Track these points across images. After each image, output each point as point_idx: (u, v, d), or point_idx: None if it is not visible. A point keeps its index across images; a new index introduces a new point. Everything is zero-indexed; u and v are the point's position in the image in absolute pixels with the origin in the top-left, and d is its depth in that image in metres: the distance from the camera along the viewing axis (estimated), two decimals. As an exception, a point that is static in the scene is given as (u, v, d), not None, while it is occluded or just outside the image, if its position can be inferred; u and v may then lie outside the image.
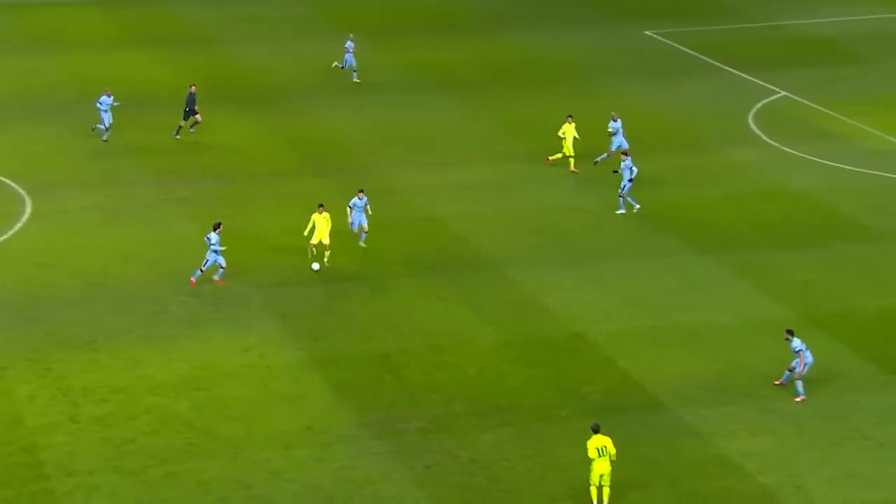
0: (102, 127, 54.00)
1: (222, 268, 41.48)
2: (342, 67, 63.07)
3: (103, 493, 31.16)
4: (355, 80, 62.62)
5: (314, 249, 42.61)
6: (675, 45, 69.36)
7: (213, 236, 41.42)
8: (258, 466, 32.20)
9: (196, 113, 54.77)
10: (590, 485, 30.32)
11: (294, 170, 52.62)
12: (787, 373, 35.06)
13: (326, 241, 42.50)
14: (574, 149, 51.13)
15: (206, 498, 31.06)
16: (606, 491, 30.32)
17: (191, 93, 54.82)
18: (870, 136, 55.09)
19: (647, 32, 71.86)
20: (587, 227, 46.68)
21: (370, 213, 44.30)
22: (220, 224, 41.84)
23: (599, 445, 30.23)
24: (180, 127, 55.09)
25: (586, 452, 30.28)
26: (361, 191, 44.27)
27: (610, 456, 30.12)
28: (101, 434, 33.46)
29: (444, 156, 53.72)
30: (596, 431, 30.51)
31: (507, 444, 33.16)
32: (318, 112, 59.39)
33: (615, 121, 51.30)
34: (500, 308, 40.44)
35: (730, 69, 64.79)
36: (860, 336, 38.31)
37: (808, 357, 34.77)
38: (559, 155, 51.42)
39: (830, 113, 57.76)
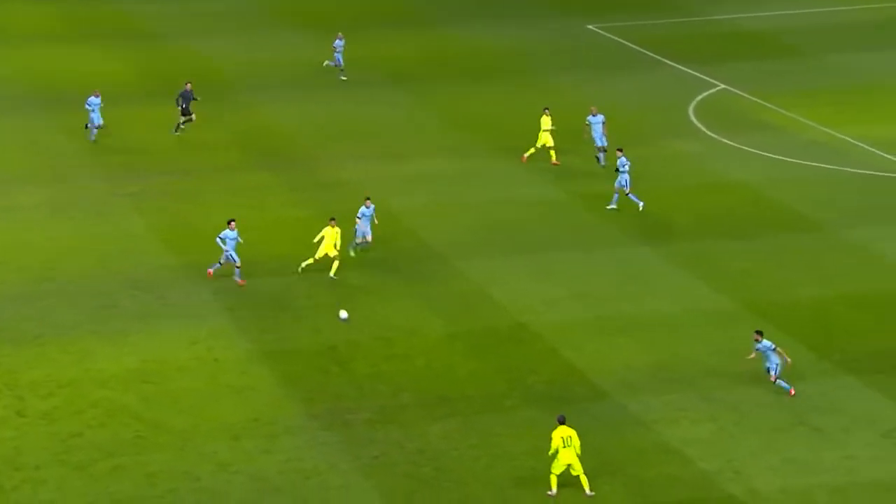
0: (92, 127, 52.61)
1: (237, 267, 40.66)
2: (334, 66, 62.05)
3: (50, 486, 30.82)
4: (342, 78, 61.70)
5: (314, 260, 41.11)
6: (618, 38, 69.55)
7: (229, 233, 40.67)
8: (206, 458, 31.96)
9: (190, 112, 53.64)
10: (551, 473, 30.37)
11: (242, 164, 52.29)
12: (773, 372, 34.55)
13: (333, 253, 40.81)
14: (553, 140, 50.96)
15: (153, 490, 30.79)
16: (583, 479, 30.40)
17: (186, 90, 53.70)
18: (807, 128, 55.46)
19: (589, 27, 72.03)
20: (533, 219, 46.69)
21: (376, 222, 42.81)
22: (233, 220, 41.10)
23: (565, 436, 30.37)
24: (179, 125, 53.95)
25: (551, 442, 30.37)
26: (368, 198, 42.68)
27: (575, 447, 30.25)
28: (48, 428, 33.09)
29: (393, 149, 53.57)
30: (562, 422, 30.65)
31: (454, 433, 33.10)
32: (266, 106, 59.07)
33: (594, 115, 51.03)
34: (447, 299, 40.37)
35: (671, 63, 65.03)
36: (800, 325, 38.55)
37: (774, 359, 34.43)
38: (532, 150, 51.16)
39: (768, 105, 58.11)
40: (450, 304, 40.01)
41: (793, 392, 34.28)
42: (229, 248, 40.81)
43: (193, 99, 54.00)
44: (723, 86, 61.05)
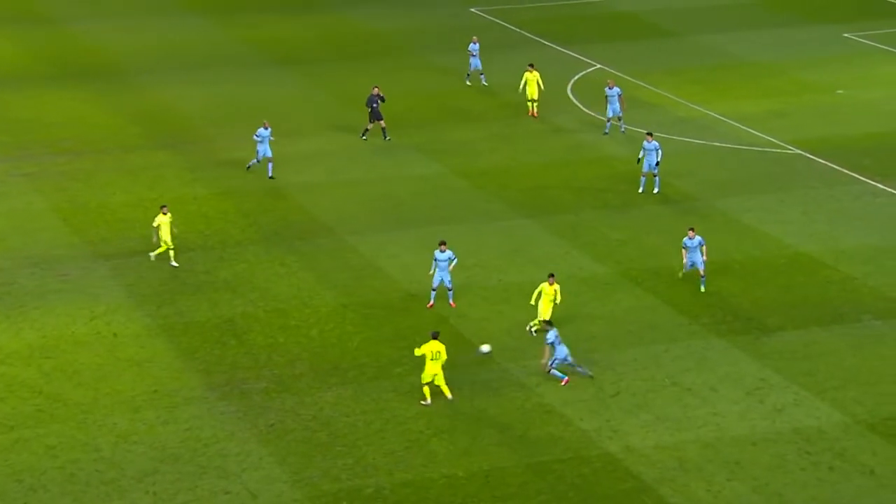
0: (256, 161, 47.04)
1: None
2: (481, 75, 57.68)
3: (-47, 461, 30.03)
4: (485, 82, 57.48)
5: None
6: (500, 21, 69.56)
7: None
8: (106, 430, 31.38)
9: (381, 117, 49.73)
10: (422, 384, 32.16)
11: (139, 144, 51.35)
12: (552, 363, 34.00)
13: (545, 315, 35.63)
14: (538, 95, 52.87)
15: (54, 462, 30.15)
16: (445, 388, 32.30)
17: (373, 94, 49.70)
18: (677, 105, 56.03)
19: (472, 10, 71.97)
20: (420, 193, 46.55)
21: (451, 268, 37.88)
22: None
23: (433, 350, 32.20)
24: (367, 130, 50.23)
25: (420, 349, 32.32)
26: (443, 243, 37.67)
27: (441, 361, 32.10)
28: (-50, 404, 32.24)
29: (283, 128, 52.97)
30: (434, 337, 32.45)
31: (347, 400, 32.92)
32: (161, 87, 58.06)
33: (611, 88, 51.31)
34: (339, 272, 40.10)
35: (549, 44, 65.22)
36: (671, 290, 38.98)
37: (561, 351, 33.51)
38: (531, 103, 53.17)
39: (641, 84, 58.59)
40: (342, 277, 39.75)
41: (566, 381, 33.48)
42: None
43: (382, 101, 49.87)
44: (598, 65, 61.39)
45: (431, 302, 37.65)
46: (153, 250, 40.01)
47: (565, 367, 33.66)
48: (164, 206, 40.28)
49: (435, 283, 37.66)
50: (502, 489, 29.47)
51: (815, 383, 33.79)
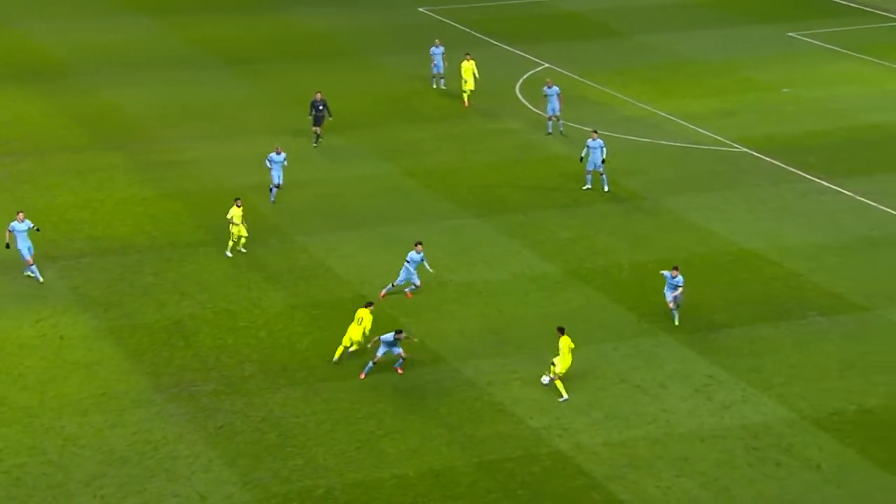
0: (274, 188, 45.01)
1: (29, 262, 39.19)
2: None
3: None
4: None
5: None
6: (448, 21, 69.54)
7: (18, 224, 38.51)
8: (53, 433, 31.05)
9: (320, 123, 48.96)
10: (340, 345, 34.06)
11: (86, 145, 50.89)
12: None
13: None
14: (474, 85, 53.92)
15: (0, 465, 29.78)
16: (355, 348, 34.13)
17: (316, 100, 49.04)
18: (625, 104, 56.27)
19: (420, 9, 71.91)
20: (370, 193, 46.44)
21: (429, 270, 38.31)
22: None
23: (359, 315, 34.15)
24: (318, 136, 49.48)
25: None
26: (419, 243, 38.07)
27: (364, 329, 33.90)
28: None
29: (231, 129, 52.74)
30: (367, 306, 34.38)
31: (296, 401, 32.77)
32: (107, 88, 57.56)
33: (550, 87, 51.36)
34: (289, 273, 39.91)
35: (497, 43, 65.30)
36: (620, 288, 39.13)
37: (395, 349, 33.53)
38: (466, 92, 54.11)
39: (589, 83, 58.80)
40: (291, 278, 39.57)
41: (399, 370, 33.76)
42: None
43: (325, 107, 49.10)
44: (547, 64, 61.54)
45: (383, 292, 37.96)
46: (228, 244, 40.31)
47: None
48: (238, 199, 40.52)
49: (400, 281, 37.81)
50: (453, 488, 29.45)
51: (762, 379, 34.05)
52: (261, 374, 34.04)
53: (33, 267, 38.30)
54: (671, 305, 36.57)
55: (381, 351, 33.65)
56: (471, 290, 38.72)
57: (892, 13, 71.69)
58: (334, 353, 34.32)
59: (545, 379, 33.29)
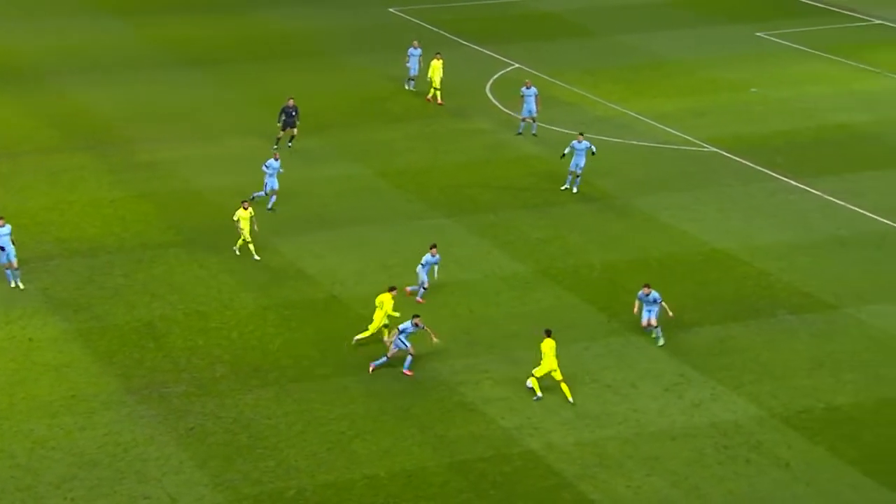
0: (262, 194, 44.74)
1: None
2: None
3: None
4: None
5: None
6: (419, 21, 69.52)
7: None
8: (22, 436, 30.87)
9: (293, 126, 48.82)
10: (366, 330, 34.86)
11: (56, 146, 50.57)
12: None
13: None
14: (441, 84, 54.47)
15: (-29, 471, 29.61)
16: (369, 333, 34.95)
17: (288, 105, 48.83)
18: (595, 104, 56.41)
19: (391, 10, 71.85)
20: (341, 194, 46.38)
21: (435, 276, 38.38)
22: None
23: (379, 300, 34.82)
24: (293, 137, 49.27)
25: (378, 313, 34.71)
26: (434, 246, 38.21)
27: (383, 311, 34.66)
28: None
29: (201, 130, 52.54)
30: (390, 290, 34.95)
31: (268, 402, 32.71)
32: (76, 89, 57.23)
33: (528, 88, 51.38)
34: (260, 274, 39.81)
35: (468, 43, 65.34)
36: (590, 288, 39.23)
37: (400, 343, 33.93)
38: (433, 91, 54.55)
39: (559, 83, 58.91)
40: (263, 278, 39.48)
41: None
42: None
43: (296, 113, 48.91)
44: (517, 65, 61.62)
45: (420, 298, 37.82)
46: (236, 244, 40.28)
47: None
48: (245, 201, 40.22)
49: (426, 281, 37.58)
50: (424, 489, 29.46)
51: (732, 378, 34.21)
52: (232, 376, 33.96)
53: (9, 272, 38.01)
54: (650, 324, 34.88)
55: (396, 345, 33.52)
56: (441, 289, 38.72)
57: (859, 13, 72.17)
58: (352, 339, 35.10)
59: (529, 383, 33.12)
